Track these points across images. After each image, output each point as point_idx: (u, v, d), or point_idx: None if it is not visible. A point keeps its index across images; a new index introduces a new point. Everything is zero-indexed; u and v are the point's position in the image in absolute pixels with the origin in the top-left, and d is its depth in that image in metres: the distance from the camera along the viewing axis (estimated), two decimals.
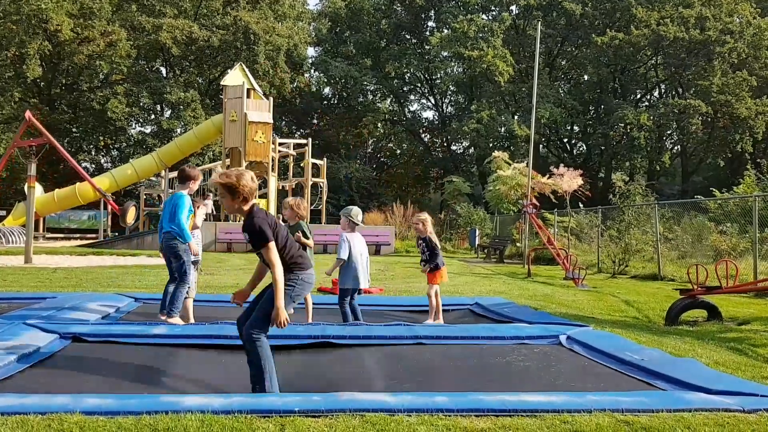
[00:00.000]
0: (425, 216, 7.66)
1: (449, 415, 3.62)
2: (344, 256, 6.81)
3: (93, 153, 43.57)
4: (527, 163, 21.56)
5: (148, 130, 43.14)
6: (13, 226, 26.02)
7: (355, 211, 7.04)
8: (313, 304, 8.42)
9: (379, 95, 48.88)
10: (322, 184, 29.66)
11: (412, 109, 51.96)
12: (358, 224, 7.00)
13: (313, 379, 4.59)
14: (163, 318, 6.49)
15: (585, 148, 46.88)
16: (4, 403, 3.53)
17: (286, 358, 5.29)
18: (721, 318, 8.08)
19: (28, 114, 17.16)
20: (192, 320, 6.92)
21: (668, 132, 43.08)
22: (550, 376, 4.78)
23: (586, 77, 45.62)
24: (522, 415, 3.67)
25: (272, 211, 24.78)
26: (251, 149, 24.91)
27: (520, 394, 4.01)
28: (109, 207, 31.04)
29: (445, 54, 43.16)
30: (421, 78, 48.93)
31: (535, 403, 3.81)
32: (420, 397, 3.87)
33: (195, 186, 6.69)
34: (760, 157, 33.55)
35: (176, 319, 6.44)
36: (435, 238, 7.61)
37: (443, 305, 8.84)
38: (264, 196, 26.35)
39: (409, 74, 48.00)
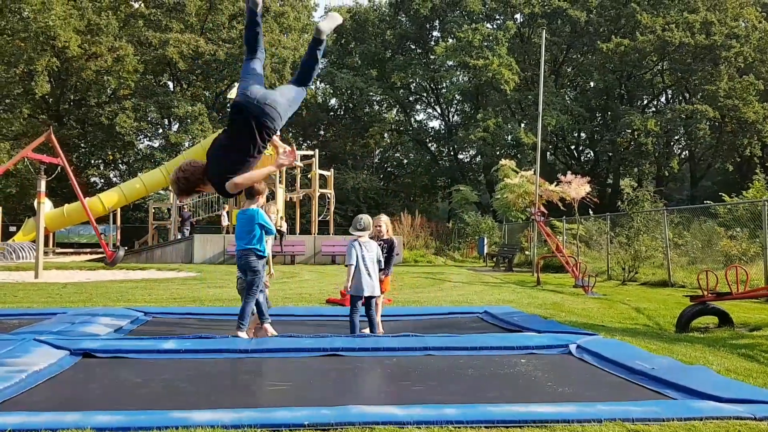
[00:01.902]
0: (385, 218, 7.60)
1: (459, 427, 3.62)
2: (351, 261, 6.76)
3: (101, 168, 43.81)
4: (534, 171, 21.54)
5: (156, 144, 43.38)
6: (23, 242, 26.16)
7: (364, 222, 6.92)
8: (321, 316, 8.43)
9: (385, 105, 48.99)
10: (329, 195, 29.70)
11: (418, 118, 52.06)
12: (358, 233, 6.85)
13: (322, 391, 4.59)
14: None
15: (592, 154, 46.79)
16: (16, 420, 3.55)
17: (296, 369, 5.29)
18: (732, 324, 8.03)
19: (50, 132, 17.21)
20: (271, 332, 6.88)
21: (676, 137, 42.96)
22: (559, 387, 4.77)
23: (592, 84, 45.60)
24: (532, 426, 3.66)
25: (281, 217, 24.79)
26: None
27: (529, 405, 4.00)
28: (119, 221, 31.28)
29: (451, 63, 43.23)
30: (427, 87, 49.03)
31: (544, 414, 3.80)
32: (429, 410, 3.87)
33: (262, 200, 6.74)
34: None
35: (243, 334, 6.46)
36: (394, 237, 7.56)
37: (453, 313, 8.84)
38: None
39: (414, 84, 48.10)
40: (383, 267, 7.21)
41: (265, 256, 6.63)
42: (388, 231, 7.45)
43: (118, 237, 32.05)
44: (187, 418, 3.62)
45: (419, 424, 3.63)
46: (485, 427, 3.64)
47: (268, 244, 6.84)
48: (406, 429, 3.57)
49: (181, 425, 3.51)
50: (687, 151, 44.80)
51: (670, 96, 46.84)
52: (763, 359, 6.02)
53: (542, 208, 20.63)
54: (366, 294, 6.78)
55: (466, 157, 50.11)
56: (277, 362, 5.55)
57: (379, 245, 7.29)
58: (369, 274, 6.80)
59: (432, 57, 45.03)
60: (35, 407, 3.88)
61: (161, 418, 3.63)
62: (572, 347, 6.00)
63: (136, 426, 3.50)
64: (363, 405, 3.98)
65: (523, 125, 40.64)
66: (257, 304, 6.69)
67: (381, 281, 7.16)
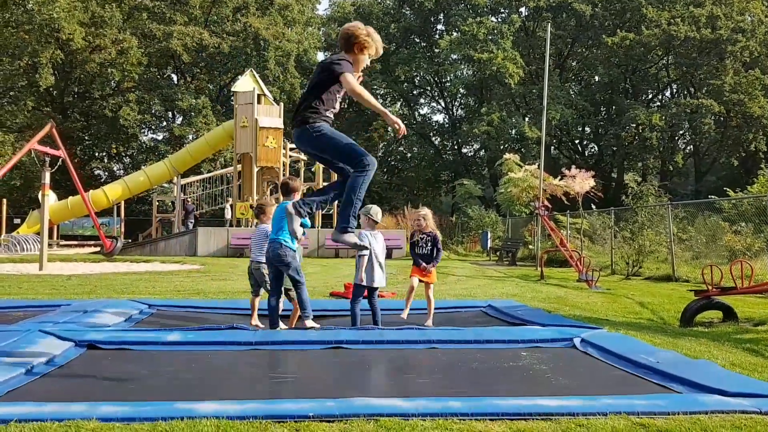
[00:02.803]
0: (426, 211, 7.56)
1: (464, 420, 3.61)
2: (366, 242, 6.52)
3: (105, 160, 43.88)
4: (539, 165, 21.52)
5: (159, 136, 43.44)
6: (27, 234, 26.22)
7: (375, 210, 6.96)
8: (325, 309, 8.43)
9: (389, 99, 48.91)
10: None
11: (422, 112, 52.02)
12: (377, 222, 6.95)
13: (327, 384, 4.59)
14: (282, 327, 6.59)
15: (597, 149, 46.71)
16: (22, 411, 3.56)
17: (299, 363, 5.30)
18: (736, 319, 8.02)
19: (53, 125, 17.29)
20: (255, 318, 7.16)
21: (680, 132, 42.85)
22: (564, 380, 4.76)
23: (596, 78, 45.48)
24: (537, 419, 3.65)
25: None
26: (262, 154, 25.00)
27: (534, 398, 4.00)
28: (122, 214, 31.31)
29: (455, 57, 43.14)
30: (431, 81, 48.93)
31: (549, 407, 3.79)
32: (434, 402, 3.86)
33: (298, 197, 6.74)
34: None
35: (311, 322, 6.48)
36: (437, 231, 7.56)
37: (457, 307, 8.84)
38: (277, 201, 26.41)
39: (418, 78, 48.01)
40: (433, 259, 7.34)
41: (294, 249, 6.64)
42: (428, 224, 7.44)
43: (122, 229, 32.11)
44: (192, 409, 3.62)
45: (424, 416, 3.62)
46: (490, 419, 3.63)
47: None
48: (411, 421, 3.56)
49: (186, 416, 3.51)
50: (692, 146, 44.69)
51: (675, 90, 46.69)
52: (767, 353, 6.01)
53: (546, 203, 20.60)
54: (374, 285, 6.80)
55: (470, 151, 50.06)
56: (282, 354, 5.56)
57: (421, 238, 7.32)
58: (379, 266, 6.82)
59: (436, 50, 44.95)
60: (41, 398, 3.89)
61: (166, 408, 3.64)
62: (576, 341, 5.98)
63: (141, 416, 3.51)
64: (367, 397, 3.97)
65: (527, 119, 40.56)
66: (271, 309, 6.66)
67: (429, 272, 7.33)
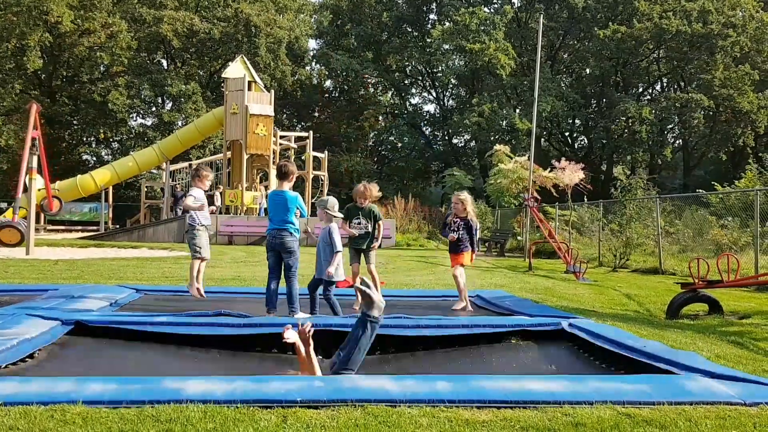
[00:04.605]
0: (466, 195, 7.42)
1: (451, 407, 3.62)
2: (341, 248, 6.51)
3: (93, 145, 43.51)
4: (528, 157, 21.54)
5: (149, 122, 43.08)
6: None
7: (332, 202, 6.65)
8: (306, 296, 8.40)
9: (380, 88, 48.76)
10: (323, 177, 29.65)
11: (413, 102, 51.88)
12: (336, 217, 6.64)
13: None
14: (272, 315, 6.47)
15: (586, 141, 46.80)
16: (7, 389, 3.53)
17: (286, 348, 5.30)
18: (722, 312, 8.09)
19: (38, 107, 17.23)
20: (199, 284, 7.29)
21: (670, 126, 42.97)
22: (550, 367, 4.79)
23: (588, 71, 45.50)
24: (523, 408, 3.67)
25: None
26: (252, 142, 24.89)
27: (521, 381, 4.01)
28: (110, 200, 31.12)
29: (447, 47, 43.00)
30: (423, 71, 48.80)
31: (536, 395, 3.80)
32: (422, 387, 3.86)
33: (293, 181, 6.64)
34: (762, 151, 33.52)
35: (300, 314, 6.40)
36: (475, 220, 7.44)
37: (445, 297, 8.85)
38: (267, 188, 26.36)
39: (410, 67, 47.86)
40: (473, 244, 7.45)
41: (298, 236, 6.56)
42: (466, 209, 7.30)
43: (110, 215, 31.94)
44: (179, 390, 3.61)
45: (411, 403, 3.63)
46: (477, 407, 3.65)
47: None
48: (398, 408, 3.57)
49: (174, 399, 3.49)
50: (680, 140, 44.85)
51: (665, 84, 46.82)
52: (752, 346, 6.07)
53: (535, 194, 20.65)
54: (339, 279, 6.64)
55: (461, 142, 50.07)
56: (270, 338, 5.55)
57: (454, 221, 7.28)
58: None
59: (428, 40, 44.79)
60: (27, 375, 3.86)
61: (153, 390, 3.62)
62: (564, 329, 6.00)
63: (128, 399, 3.49)
64: (356, 380, 3.97)
65: (518, 111, 40.56)
66: (270, 292, 6.58)
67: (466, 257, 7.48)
